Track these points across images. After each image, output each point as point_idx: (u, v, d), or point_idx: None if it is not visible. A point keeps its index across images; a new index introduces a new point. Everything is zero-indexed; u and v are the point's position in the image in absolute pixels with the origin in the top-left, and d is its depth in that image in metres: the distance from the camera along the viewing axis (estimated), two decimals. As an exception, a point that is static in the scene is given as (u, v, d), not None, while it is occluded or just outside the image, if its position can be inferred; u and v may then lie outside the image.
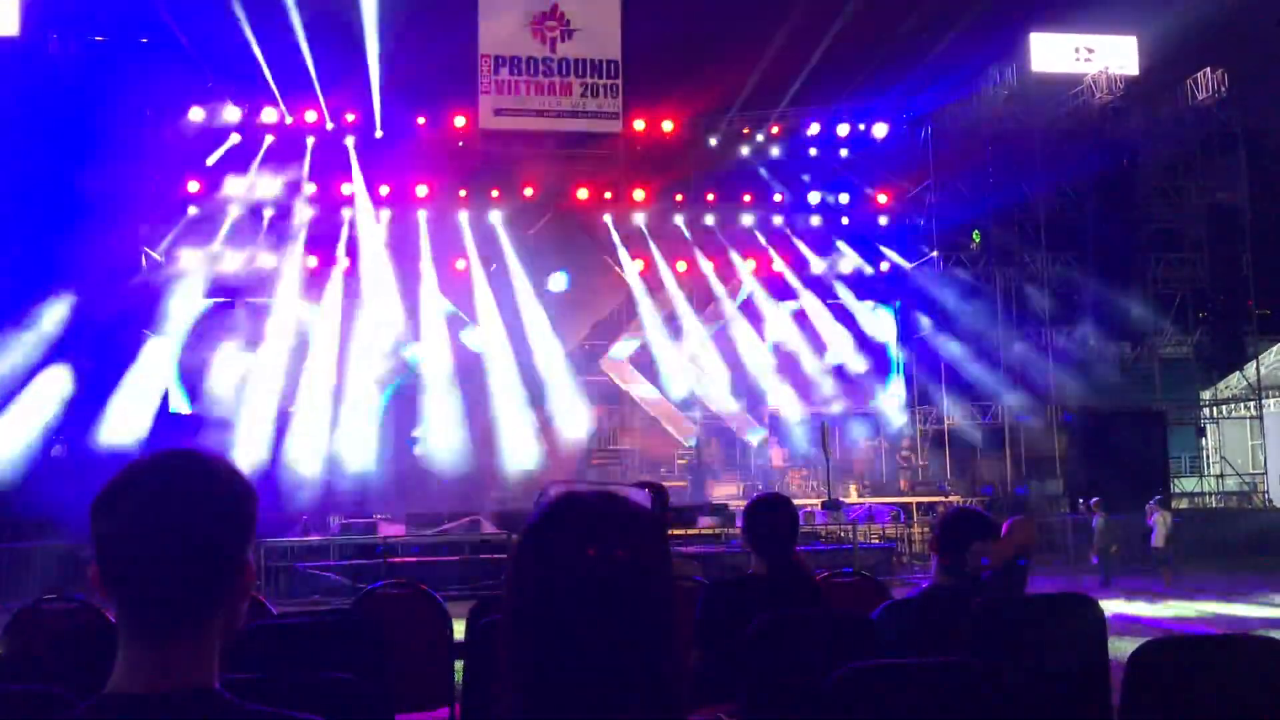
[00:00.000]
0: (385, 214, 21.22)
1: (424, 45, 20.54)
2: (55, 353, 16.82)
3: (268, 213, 20.58)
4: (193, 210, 20.27)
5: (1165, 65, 21.97)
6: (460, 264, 21.57)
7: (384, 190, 20.95)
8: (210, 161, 20.17)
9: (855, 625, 3.45)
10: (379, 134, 20.82)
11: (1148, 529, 15.36)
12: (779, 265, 22.73)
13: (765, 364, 22.18)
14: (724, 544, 15.19)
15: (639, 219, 22.29)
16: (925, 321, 22.74)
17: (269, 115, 20.36)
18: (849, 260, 23.07)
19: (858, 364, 22.55)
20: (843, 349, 22.57)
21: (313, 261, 20.68)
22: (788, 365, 22.31)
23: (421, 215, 21.41)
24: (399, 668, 3.42)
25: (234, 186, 20.28)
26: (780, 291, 22.80)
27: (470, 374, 20.84)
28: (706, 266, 22.58)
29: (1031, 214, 22.23)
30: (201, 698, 1.32)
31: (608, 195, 21.89)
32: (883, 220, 23.31)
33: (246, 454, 17.36)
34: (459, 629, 4.83)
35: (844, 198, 22.92)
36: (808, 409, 21.91)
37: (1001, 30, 21.80)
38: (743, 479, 21.44)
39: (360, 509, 17.61)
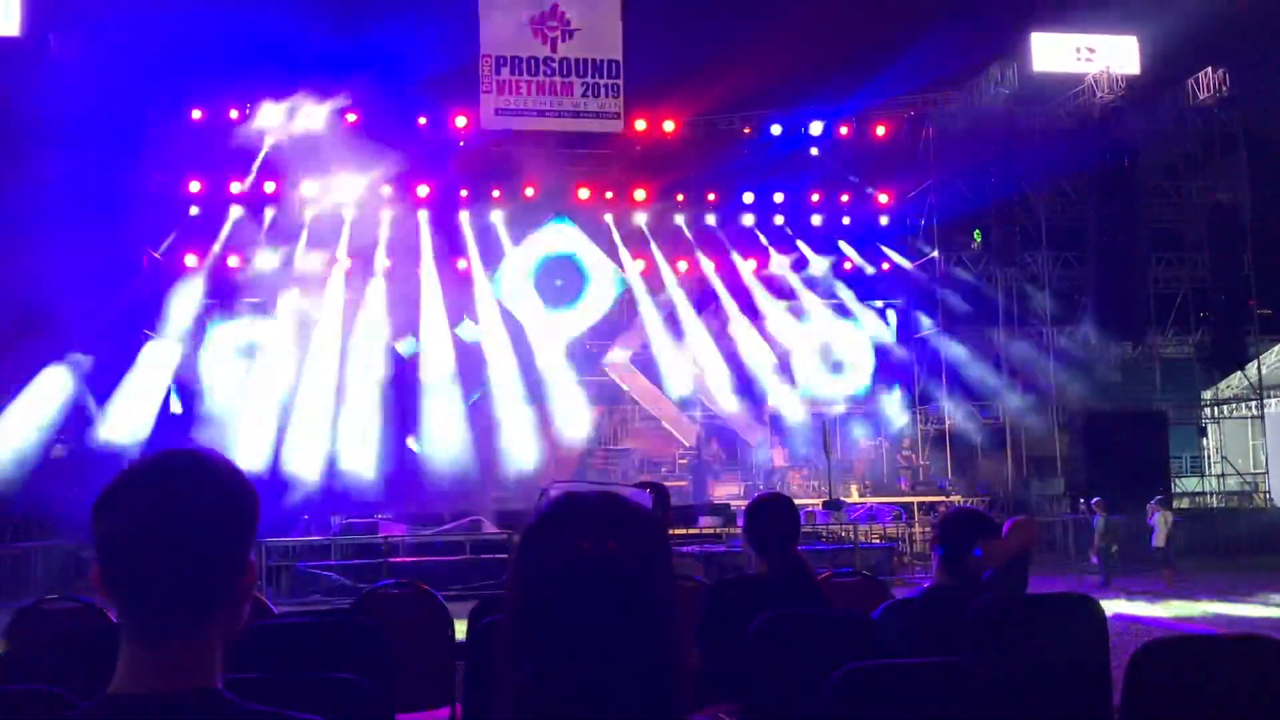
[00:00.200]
0: (387, 214, 21.24)
1: (425, 45, 20.53)
2: (56, 353, 16.82)
3: (269, 213, 20.60)
4: (193, 210, 20.29)
5: (1166, 65, 21.95)
6: (461, 264, 21.58)
7: (385, 190, 20.96)
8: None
9: (856, 625, 3.45)
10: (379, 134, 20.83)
11: (1148, 529, 15.31)
12: (779, 265, 22.73)
13: (765, 364, 22.19)
14: (725, 544, 15.18)
15: (640, 219, 22.31)
16: (926, 321, 22.74)
17: (269, 115, 20.35)
18: (849, 260, 23.08)
19: (857, 364, 22.53)
20: (843, 349, 22.55)
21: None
22: (788, 365, 22.31)
23: (422, 215, 21.43)
24: (400, 668, 3.42)
25: (235, 187, 20.31)
26: (780, 292, 22.80)
27: (471, 373, 20.84)
28: (707, 266, 22.60)
29: (1032, 214, 22.24)
30: (203, 698, 1.31)
31: (609, 195, 21.92)
32: (883, 220, 23.33)
33: (247, 454, 17.36)
34: (460, 629, 4.82)
35: (844, 197, 22.95)
36: (808, 409, 21.91)
37: (1002, 30, 21.84)
38: (743, 479, 21.44)
39: (361, 509, 17.62)
